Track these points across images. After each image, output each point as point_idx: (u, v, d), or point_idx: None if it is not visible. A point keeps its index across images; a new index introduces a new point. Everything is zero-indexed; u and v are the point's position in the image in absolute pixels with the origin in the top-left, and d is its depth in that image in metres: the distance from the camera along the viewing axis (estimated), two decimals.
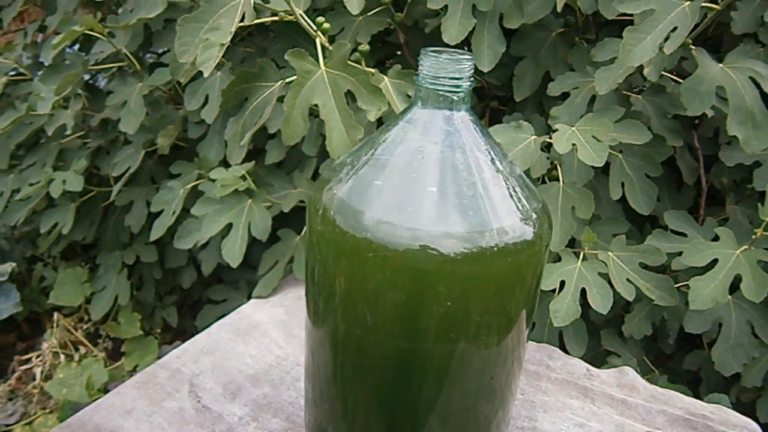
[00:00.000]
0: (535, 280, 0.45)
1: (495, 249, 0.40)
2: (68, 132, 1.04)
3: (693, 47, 0.75)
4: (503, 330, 0.44)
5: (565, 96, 0.82)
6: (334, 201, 0.43)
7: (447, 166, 0.42)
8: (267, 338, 0.70)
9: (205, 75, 0.64)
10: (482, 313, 0.42)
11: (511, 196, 0.42)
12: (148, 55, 1.19)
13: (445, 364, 0.43)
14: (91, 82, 1.20)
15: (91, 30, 0.89)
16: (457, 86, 0.41)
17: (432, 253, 0.39)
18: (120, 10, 1.01)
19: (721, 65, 0.73)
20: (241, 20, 0.67)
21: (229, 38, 0.64)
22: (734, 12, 0.79)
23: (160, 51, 1.18)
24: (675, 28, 0.68)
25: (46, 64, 1.15)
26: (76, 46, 1.15)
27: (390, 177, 0.42)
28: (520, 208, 0.42)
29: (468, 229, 0.40)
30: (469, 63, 0.41)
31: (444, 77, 0.41)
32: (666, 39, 0.68)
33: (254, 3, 0.69)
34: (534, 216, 0.43)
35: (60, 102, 1.00)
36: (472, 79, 0.42)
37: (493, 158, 0.43)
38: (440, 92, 0.41)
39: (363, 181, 0.43)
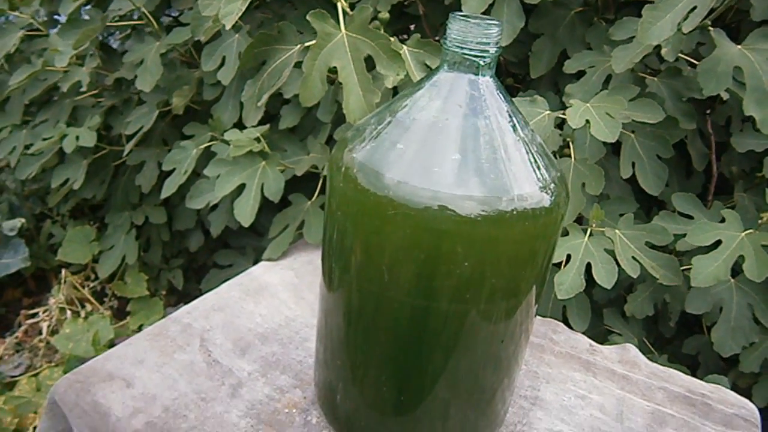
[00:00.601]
0: (549, 248, 0.45)
1: (513, 213, 0.41)
2: (83, 89, 1.04)
3: (711, 29, 0.75)
4: (514, 297, 0.45)
5: (580, 75, 0.83)
6: (356, 160, 0.44)
7: (469, 130, 0.42)
8: (277, 299, 0.71)
9: (227, 27, 0.64)
10: (496, 276, 0.43)
11: (531, 163, 0.43)
12: (163, 18, 1.19)
13: (457, 326, 0.44)
14: (103, 41, 1.19)
15: None
16: (484, 51, 0.42)
17: (451, 214, 0.40)
18: None
19: (739, 47, 0.73)
20: None
21: None
22: None
23: (176, 14, 1.18)
24: (694, 8, 0.68)
25: (63, 20, 1.15)
26: (89, 5, 1.15)
27: (413, 138, 0.42)
28: (540, 175, 0.43)
29: (487, 192, 0.41)
30: (498, 29, 0.41)
31: (471, 41, 0.41)
32: (685, 18, 0.68)
33: None
34: (552, 185, 0.44)
35: (75, 59, 1.01)
36: (499, 45, 0.42)
37: (515, 125, 0.43)
38: (467, 56, 0.42)
39: (386, 141, 0.43)
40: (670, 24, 0.68)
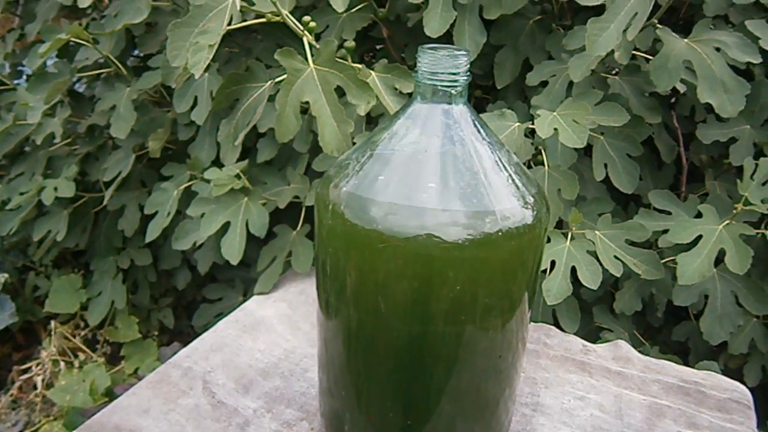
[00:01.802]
0: (536, 261, 0.47)
1: (498, 234, 0.42)
2: (56, 140, 1.04)
3: (659, 27, 0.78)
4: (508, 311, 0.46)
5: (544, 83, 0.85)
6: (342, 196, 0.45)
7: (448, 158, 0.44)
8: (273, 333, 0.71)
9: (196, 77, 0.65)
10: (489, 295, 0.44)
11: (510, 183, 0.45)
12: (130, 60, 1.20)
13: (455, 345, 0.46)
14: (70, 89, 1.20)
15: (77, 37, 0.89)
16: (455, 81, 0.43)
17: (438, 241, 0.41)
18: (99, 16, 1.01)
19: (686, 40, 0.76)
20: (229, 23, 0.69)
21: (218, 40, 0.66)
22: None
23: (141, 54, 1.18)
24: (636, 14, 0.71)
25: (28, 72, 1.15)
26: (54, 54, 1.15)
27: (395, 171, 0.44)
28: (520, 194, 0.45)
29: (471, 216, 0.42)
30: (466, 58, 0.43)
31: (442, 73, 0.43)
32: (629, 25, 0.71)
33: (240, 5, 0.70)
34: (532, 201, 0.45)
35: (46, 110, 1.01)
36: (468, 73, 0.44)
37: (491, 148, 0.45)
38: (439, 87, 0.44)
39: (369, 175, 0.45)
40: (615, 33, 0.71)
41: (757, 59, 0.74)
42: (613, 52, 0.77)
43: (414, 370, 0.47)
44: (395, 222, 0.42)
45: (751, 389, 0.66)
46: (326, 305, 0.49)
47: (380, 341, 0.46)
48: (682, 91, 0.87)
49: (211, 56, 0.67)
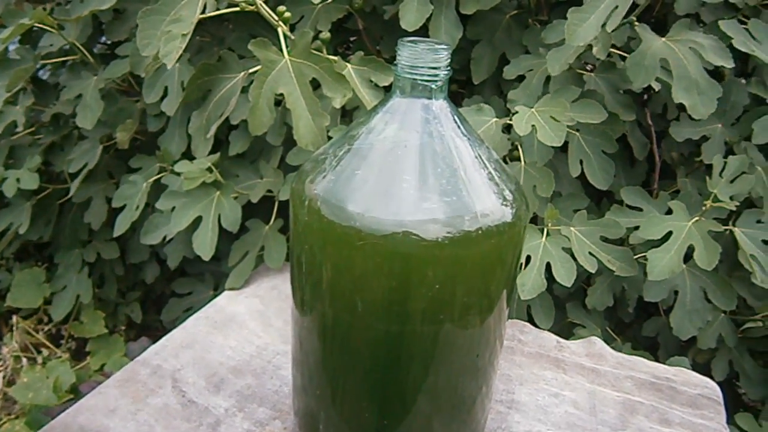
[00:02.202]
0: (515, 259, 0.47)
1: (477, 232, 0.42)
2: (19, 129, 1.01)
3: (637, 24, 0.78)
4: (487, 309, 0.46)
5: (521, 78, 0.85)
6: (318, 191, 0.44)
7: (427, 154, 0.43)
8: (245, 329, 0.70)
9: (168, 67, 0.63)
10: (467, 294, 0.44)
11: (490, 180, 0.44)
12: (97, 47, 1.16)
13: (432, 344, 0.45)
14: (34, 76, 1.16)
15: (41, 23, 0.86)
16: (435, 75, 0.42)
17: (416, 239, 0.41)
18: (69, 2, 0.98)
19: (663, 39, 0.76)
20: (203, 11, 0.67)
21: (191, 29, 0.64)
22: None
23: (108, 41, 1.15)
24: (616, 7, 0.71)
25: None
26: (16, 40, 1.11)
27: (372, 166, 0.43)
28: (499, 191, 0.44)
29: (451, 214, 0.41)
30: (446, 52, 0.42)
31: (422, 67, 0.42)
32: (608, 18, 0.71)
33: None
34: (512, 198, 0.45)
35: (8, 98, 0.97)
36: (449, 68, 0.43)
37: (471, 144, 0.44)
38: (419, 81, 0.43)
39: (346, 171, 0.44)
40: (595, 25, 0.71)
41: (729, 64, 0.75)
42: (590, 47, 0.77)
43: (391, 368, 0.46)
44: (372, 219, 0.41)
45: (718, 383, 0.67)
46: (301, 302, 0.48)
47: (356, 340, 0.46)
48: (656, 89, 0.88)
49: (183, 46, 0.65)
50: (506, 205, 0.44)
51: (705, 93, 0.75)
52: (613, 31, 0.74)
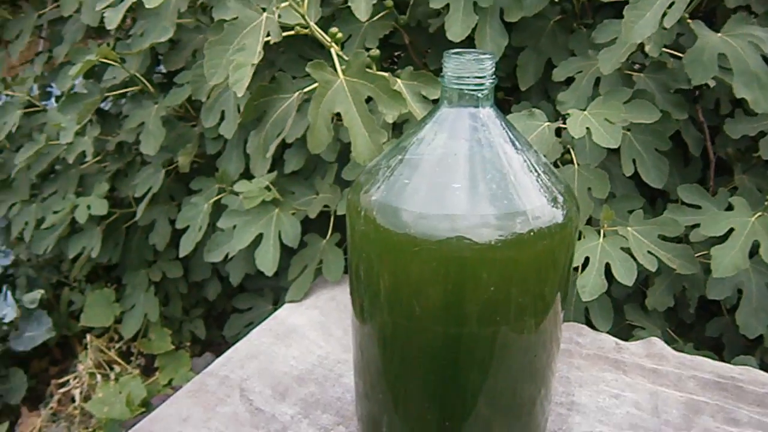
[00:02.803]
0: (567, 260, 0.47)
1: (530, 234, 0.43)
2: (88, 158, 1.07)
3: (690, 21, 0.77)
4: (541, 311, 0.47)
5: (569, 81, 0.85)
6: (373, 202, 0.46)
7: (477, 161, 0.44)
8: (306, 339, 0.72)
9: (240, 95, 0.67)
10: (522, 296, 0.44)
11: (539, 183, 0.45)
12: (154, 76, 1.22)
13: (490, 346, 0.46)
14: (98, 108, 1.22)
15: (106, 58, 0.91)
16: (481, 84, 0.44)
17: (469, 243, 0.42)
18: (128, 35, 1.03)
19: (719, 34, 0.75)
20: (267, 38, 0.70)
21: (259, 57, 0.67)
22: None
23: (165, 71, 1.21)
24: (672, 3, 0.71)
25: (58, 93, 1.18)
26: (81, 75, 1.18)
27: (424, 175, 0.45)
28: (549, 193, 0.45)
29: (502, 217, 0.43)
30: (491, 62, 0.44)
31: (468, 77, 0.43)
32: (665, 14, 0.71)
33: (277, 21, 0.71)
34: (562, 200, 0.46)
35: (77, 130, 1.03)
36: (494, 76, 0.44)
37: (519, 149, 0.45)
38: (465, 91, 0.44)
39: (399, 181, 0.45)
40: (651, 21, 0.70)
41: None
42: (642, 46, 0.77)
43: (450, 371, 0.47)
44: (426, 226, 0.43)
45: None
46: (361, 310, 0.50)
47: (415, 344, 0.47)
48: (711, 86, 0.86)
49: (251, 74, 0.68)
50: (557, 207, 0.45)
51: (766, 87, 0.73)
52: (667, 29, 0.74)
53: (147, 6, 0.79)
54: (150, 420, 0.62)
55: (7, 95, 1.20)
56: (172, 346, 1.21)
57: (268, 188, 0.83)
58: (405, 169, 0.46)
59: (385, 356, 0.49)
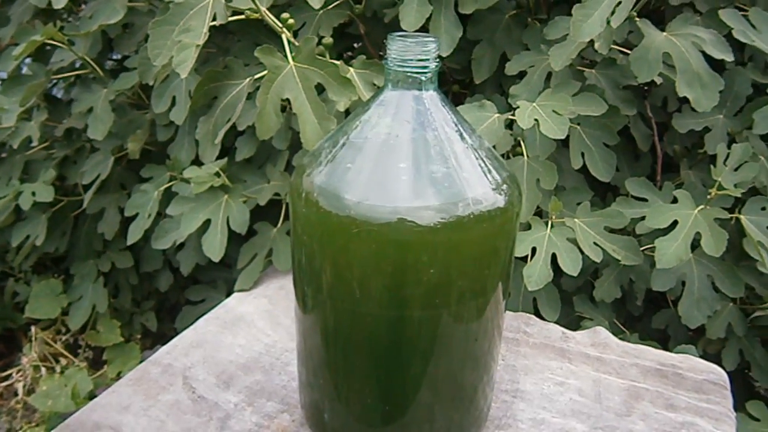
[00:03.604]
0: (509, 245, 0.47)
1: (470, 217, 0.43)
2: (34, 143, 1.04)
3: (638, 19, 0.79)
4: (482, 295, 0.47)
5: (522, 75, 0.86)
6: (315, 184, 0.45)
7: (420, 144, 0.44)
8: (254, 328, 0.71)
9: (183, 76, 0.65)
10: (463, 279, 0.45)
11: (482, 167, 0.45)
12: (107, 63, 1.19)
13: (431, 330, 0.46)
14: (47, 93, 1.19)
15: (52, 39, 0.88)
16: (425, 67, 0.44)
17: (411, 225, 0.42)
18: (74, 18, 1.01)
19: (665, 34, 0.77)
20: (213, 20, 0.68)
21: (204, 39, 0.65)
22: None
23: (117, 56, 1.18)
24: (620, 2, 0.72)
25: (3, 76, 1.14)
26: (29, 58, 1.14)
27: (367, 157, 0.44)
28: (491, 178, 0.45)
29: (444, 200, 0.43)
30: (435, 44, 0.43)
31: (412, 59, 0.43)
32: (612, 13, 0.72)
33: (224, 2, 0.70)
34: (504, 185, 0.46)
35: (22, 114, 1.00)
36: (438, 59, 0.44)
37: (462, 133, 0.45)
38: (409, 74, 0.44)
39: (342, 163, 0.45)
40: (599, 20, 0.71)
41: (730, 57, 0.75)
42: (592, 42, 0.78)
43: (392, 356, 0.47)
44: (368, 208, 0.42)
45: (729, 373, 0.67)
46: (303, 296, 0.50)
47: (357, 329, 0.47)
48: (658, 83, 0.88)
49: (196, 55, 0.67)
50: (499, 192, 0.45)
51: (708, 86, 0.75)
52: (615, 28, 0.75)
53: None
54: (89, 408, 0.60)
55: None
56: (122, 339, 1.18)
57: (217, 174, 0.82)
58: (348, 151, 0.45)
59: (327, 342, 0.49)
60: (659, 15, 0.94)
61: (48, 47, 1.02)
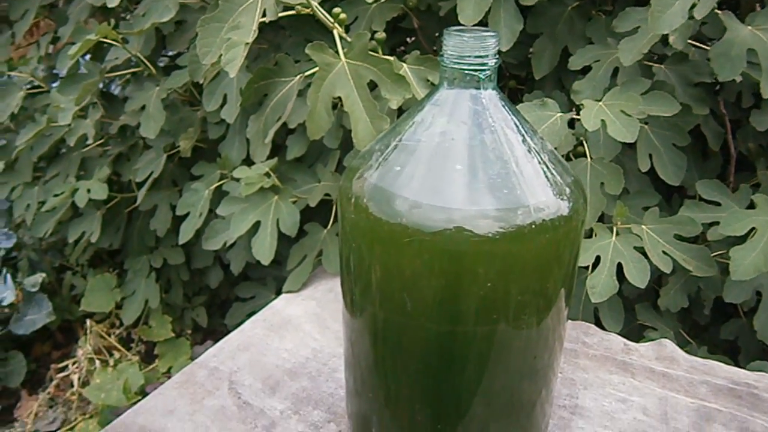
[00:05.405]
0: (573, 255, 0.44)
1: (531, 226, 0.40)
2: (89, 141, 1.05)
3: (719, 11, 0.73)
4: (543, 309, 0.44)
5: (585, 70, 0.81)
6: (365, 189, 0.43)
7: (477, 146, 0.41)
8: (301, 332, 0.70)
9: (231, 75, 0.64)
10: (522, 293, 0.41)
11: (544, 172, 0.42)
12: (161, 60, 1.20)
13: (486, 345, 0.43)
14: (104, 90, 1.20)
15: (106, 37, 0.89)
16: (483, 64, 0.41)
17: (468, 234, 0.39)
18: (131, 16, 1.01)
19: (749, 28, 0.71)
20: (263, 16, 0.67)
21: (253, 36, 0.64)
22: None
23: (172, 53, 1.18)
24: None
25: (62, 74, 1.16)
26: (88, 56, 1.16)
27: (420, 161, 0.41)
28: (554, 183, 0.42)
29: (502, 207, 0.40)
30: (494, 40, 0.40)
31: (469, 56, 0.40)
32: (693, 5, 0.67)
33: None
34: (568, 191, 0.42)
35: (78, 112, 1.01)
36: (497, 56, 0.41)
37: (523, 135, 0.42)
38: (466, 71, 0.41)
39: (393, 166, 0.42)
40: (680, 11, 0.66)
41: None
42: (665, 36, 0.73)
43: (443, 371, 0.44)
44: (421, 215, 0.40)
45: None
46: (351, 303, 0.47)
47: (407, 341, 0.44)
48: (737, 81, 0.82)
49: (245, 54, 0.65)
50: (562, 199, 0.42)
51: None
52: (698, 21, 0.70)
53: None
54: (135, 411, 0.60)
55: (10, 76, 1.18)
56: (173, 334, 1.20)
57: (267, 175, 0.80)
58: (400, 154, 0.43)
59: (376, 352, 0.46)
60: (735, 7, 0.88)
61: (104, 45, 1.03)
